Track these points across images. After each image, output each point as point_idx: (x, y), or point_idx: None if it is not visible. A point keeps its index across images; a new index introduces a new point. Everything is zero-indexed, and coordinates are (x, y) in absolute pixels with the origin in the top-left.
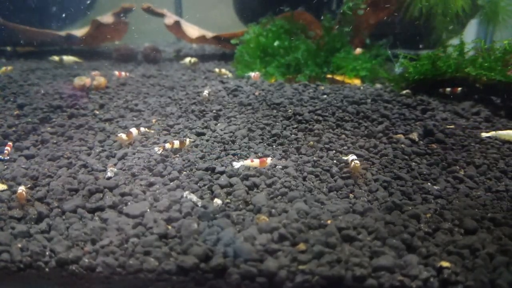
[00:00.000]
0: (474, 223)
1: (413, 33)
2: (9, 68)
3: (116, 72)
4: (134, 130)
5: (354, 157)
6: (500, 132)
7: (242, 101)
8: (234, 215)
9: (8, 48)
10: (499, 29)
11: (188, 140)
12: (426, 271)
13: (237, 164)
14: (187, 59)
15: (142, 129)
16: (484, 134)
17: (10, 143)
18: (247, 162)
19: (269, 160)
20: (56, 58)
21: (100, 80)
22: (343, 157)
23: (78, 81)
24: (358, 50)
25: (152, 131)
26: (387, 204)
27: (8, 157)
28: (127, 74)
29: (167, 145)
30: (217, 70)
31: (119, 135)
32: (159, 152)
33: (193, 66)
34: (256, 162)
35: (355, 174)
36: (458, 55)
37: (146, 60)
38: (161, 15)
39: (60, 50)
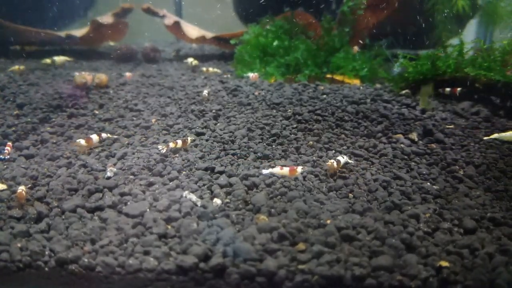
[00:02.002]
0: (474, 223)
1: (412, 33)
2: (22, 67)
3: (127, 73)
4: (94, 137)
5: (340, 158)
6: (502, 134)
7: (241, 101)
8: (234, 214)
9: (18, 47)
10: (499, 29)
11: (189, 138)
12: (425, 271)
13: (266, 171)
14: (190, 60)
15: (103, 135)
16: (486, 138)
17: (10, 143)
18: (276, 170)
19: (299, 169)
20: (48, 60)
21: (101, 77)
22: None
23: (80, 78)
24: (356, 49)
25: (116, 136)
26: (387, 204)
27: (8, 157)
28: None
29: (171, 145)
30: (204, 69)
31: (77, 141)
32: (163, 151)
33: (195, 68)
34: (286, 170)
35: (331, 172)
36: (457, 55)
37: (145, 60)
38: (161, 16)
39: (59, 50)
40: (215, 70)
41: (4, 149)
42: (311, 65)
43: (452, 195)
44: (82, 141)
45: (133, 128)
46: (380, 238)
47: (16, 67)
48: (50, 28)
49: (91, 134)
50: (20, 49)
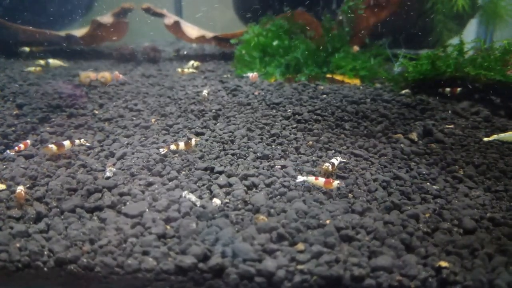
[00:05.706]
0: (473, 223)
1: (413, 33)
2: (38, 69)
3: (115, 73)
4: (66, 143)
5: (334, 160)
6: (502, 135)
7: (241, 101)
8: (233, 215)
9: (27, 49)
10: (499, 29)
11: (194, 140)
12: (425, 271)
13: (300, 178)
14: (191, 62)
15: (77, 141)
16: (486, 139)
17: (28, 141)
18: (311, 179)
19: (335, 184)
20: (41, 61)
21: (106, 75)
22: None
23: (84, 76)
24: (356, 48)
25: (88, 144)
26: (386, 204)
27: (13, 154)
28: (120, 75)
29: (172, 146)
30: (179, 70)
31: (49, 146)
32: (163, 153)
33: (197, 69)
34: (321, 181)
35: (325, 174)
36: (457, 55)
37: (146, 59)
38: (161, 15)
39: (60, 50)
40: (191, 70)
41: (16, 146)
42: (311, 65)
43: (452, 195)
44: (54, 147)
45: (132, 128)
46: (380, 238)
47: (33, 68)
48: (50, 28)
49: (91, 134)
50: (30, 50)
